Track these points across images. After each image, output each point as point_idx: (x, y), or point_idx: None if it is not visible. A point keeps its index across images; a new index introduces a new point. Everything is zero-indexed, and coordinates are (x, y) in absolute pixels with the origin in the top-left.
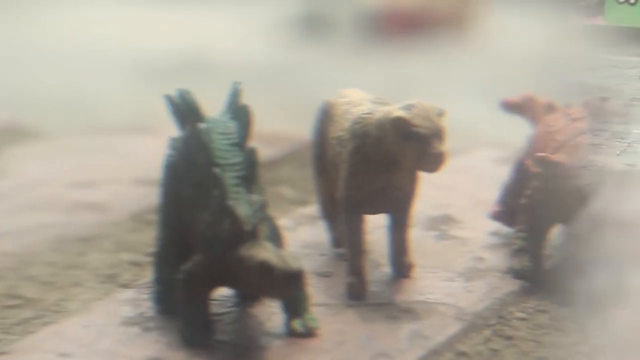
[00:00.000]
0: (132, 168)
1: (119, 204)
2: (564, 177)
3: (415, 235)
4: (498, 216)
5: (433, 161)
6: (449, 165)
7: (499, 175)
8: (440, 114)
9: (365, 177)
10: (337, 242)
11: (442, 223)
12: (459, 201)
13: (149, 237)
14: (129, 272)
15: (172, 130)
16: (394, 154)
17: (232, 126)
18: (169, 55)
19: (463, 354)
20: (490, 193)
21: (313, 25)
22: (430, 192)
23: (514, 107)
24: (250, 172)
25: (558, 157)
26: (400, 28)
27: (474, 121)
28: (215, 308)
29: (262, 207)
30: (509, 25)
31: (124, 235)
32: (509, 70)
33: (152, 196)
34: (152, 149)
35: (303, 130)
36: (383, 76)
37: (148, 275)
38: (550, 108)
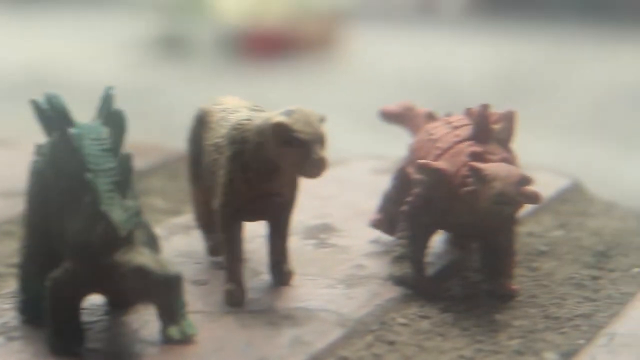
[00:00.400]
0: None
1: None
2: (445, 184)
3: (294, 244)
4: (378, 224)
5: (314, 167)
6: (327, 176)
7: (378, 185)
8: (321, 119)
9: (244, 184)
10: (213, 251)
11: (321, 232)
12: (337, 211)
13: (9, 249)
14: None
15: (27, 141)
16: (274, 161)
17: (104, 132)
18: (14, 72)
19: (345, 359)
20: (370, 203)
21: (171, 46)
22: (308, 203)
23: (394, 117)
24: (125, 178)
25: (439, 164)
26: (265, 49)
27: (341, 140)
28: (85, 317)
29: (138, 212)
30: (375, 46)
31: None
32: (377, 89)
33: (11, 208)
34: (6, 161)
35: (172, 140)
36: (245, 97)
37: (10, 285)
38: (430, 117)
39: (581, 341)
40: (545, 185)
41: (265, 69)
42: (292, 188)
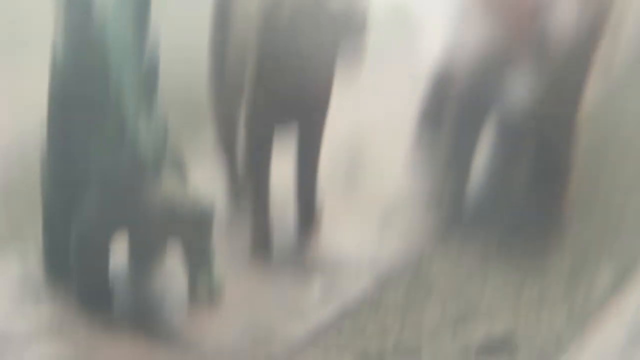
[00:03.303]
0: None
1: None
2: None
3: (323, 170)
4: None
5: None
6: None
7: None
8: None
9: (276, 77)
10: (236, 192)
11: (353, 156)
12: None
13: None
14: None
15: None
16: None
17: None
18: None
19: (380, 305)
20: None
21: None
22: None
23: None
24: (151, 82)
25: None
26: None
27: None
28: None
29: (164, 131)
30: None
31: None
32: None
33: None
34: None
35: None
36: None
37: (34, 242)
38: None
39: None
40: None
41: None
42: (325, 86)
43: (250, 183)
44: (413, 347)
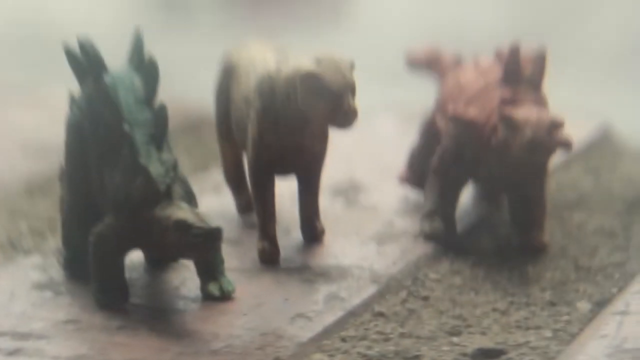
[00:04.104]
0: (15, 138)
1: (8, 174)
2: (475, 135)
3: (323, 203)
4: (407, 180)
5: (346, 117)
6: (352, 131)
7: (403, 138)
8: (351, 66)
9: (274, 138)
10: (243, 209)
11: (349, 190)
12: (364, 167)
13: (45, 206)
14: (30, 239)
15: (49, 99)
16: (304, 112)
17: (137, 80)
18: (10, 28)
19: (381, 314)
20: (395, 157)
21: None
22: (334, 160)
23: (420, 63)
24: (161, 130)
25: (469, 113)
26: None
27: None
28: (126, 273)
29: (175, 166)
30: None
31: (18, 205)
32: (391, 38)
33: (42, 165)
34: (32, 118)
35: (185, 98)
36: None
37: (50, 242)
38: (457, 62)
39: (614, 290)
40: (574, 132)
41: (272, 24)
42: (323, 140)
43: (257, 208)
44: (413, 353)
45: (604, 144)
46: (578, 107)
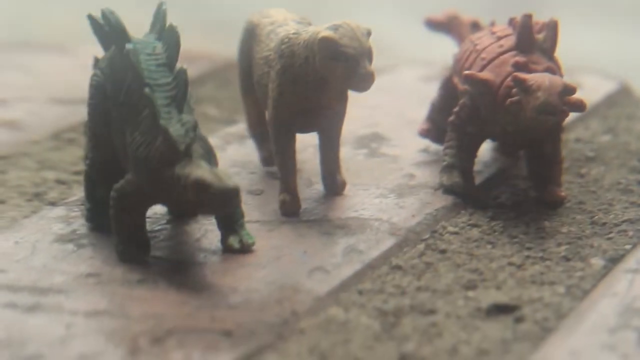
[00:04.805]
0: (45, 86)
1: (37, 122)
2: (490, 95)
3: (345, 154)
4: (427, 133)
5: (362, 80)
6: (375, 85)
7: (426, 93)
8: (368, 33)
9: (294, 97)
10: (267, 161)
11: (371, 141)
12: (386, 120)
13: (71, 156)
14: (55, 190)
15: (79, 48)
16: (323, 74)
17: (159, 47)
18: None
19: (398, 267)
20: (418, 111)
21: None
22: (356, 112)
23: (439, 25)
24: (181, 92)
25: (485, 74)
26: None
27: (395, 38)
28: (149, 225)
29: (194, 126)
30: None
31: (46, 154)
32: None
33: (70, 115)
34: (62, 68)
35: (222, 47)
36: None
37: (76, 193)
38: (475, 26)
39: (627, 246)
40: (592, 88)
41: None
42: (341, 100)
43: (278, 162)
44: (428, 307)
45: (621, 100)
46: (596, 61)
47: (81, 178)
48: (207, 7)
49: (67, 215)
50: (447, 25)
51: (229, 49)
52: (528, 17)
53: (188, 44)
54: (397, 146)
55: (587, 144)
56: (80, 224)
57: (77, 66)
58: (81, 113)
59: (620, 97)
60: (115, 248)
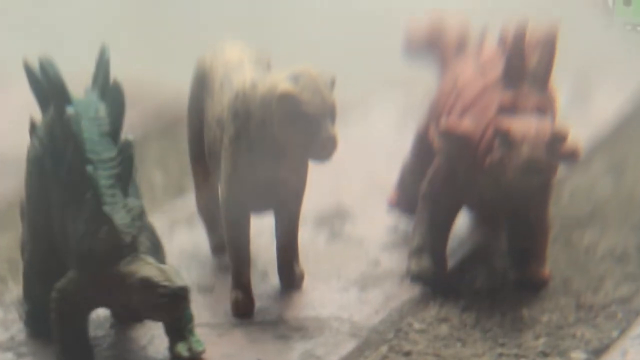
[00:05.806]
0: None
1: None
2: (470, 152)
3: (305, 236)
4: (397, 203)
5: (323, 147)
6: (340, 137)
7: (402, 142)
8: (332, 82)
9: (249, 170)
10: (217, 248)
11: (333, 218)
12: (352, 187)
13: (5, 242)
14: None
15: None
16: (281, 140)
17: (102, 109)
18: None
19: None
20: (390, 169)
21: None
22: (318, 177)
23: (419, 48)
24: (126, 170)
25: (461, 127)
26: None
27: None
28: (91, 331)
29: (141, 213)
30: None
31: None
32: None
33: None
34: None
35: (174, 82)
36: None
37: (12, 290)
38: (461, 45)
39: (615, 332)
40: (601, 106)
41: None
42: (302, 173)
43: (230, 253)
44: None
45: (637, 118)
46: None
47: (17, 268)
48: (162, 26)
49: (3, 318)
50: (428, 45)
51: (182, 84)
52: (521, 35)
53: (131, 72)
54: (363, 224)
55: (584, 197)
56: (18, 329)
57: (11, 109)
58: (14, 182)
59: (636, 114)
60: (56, 357)
